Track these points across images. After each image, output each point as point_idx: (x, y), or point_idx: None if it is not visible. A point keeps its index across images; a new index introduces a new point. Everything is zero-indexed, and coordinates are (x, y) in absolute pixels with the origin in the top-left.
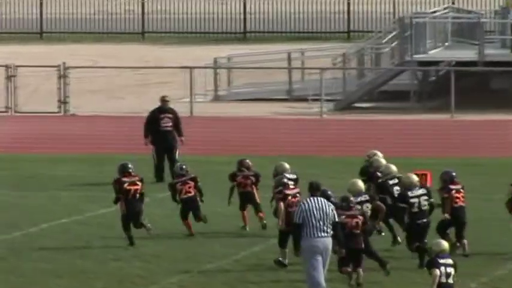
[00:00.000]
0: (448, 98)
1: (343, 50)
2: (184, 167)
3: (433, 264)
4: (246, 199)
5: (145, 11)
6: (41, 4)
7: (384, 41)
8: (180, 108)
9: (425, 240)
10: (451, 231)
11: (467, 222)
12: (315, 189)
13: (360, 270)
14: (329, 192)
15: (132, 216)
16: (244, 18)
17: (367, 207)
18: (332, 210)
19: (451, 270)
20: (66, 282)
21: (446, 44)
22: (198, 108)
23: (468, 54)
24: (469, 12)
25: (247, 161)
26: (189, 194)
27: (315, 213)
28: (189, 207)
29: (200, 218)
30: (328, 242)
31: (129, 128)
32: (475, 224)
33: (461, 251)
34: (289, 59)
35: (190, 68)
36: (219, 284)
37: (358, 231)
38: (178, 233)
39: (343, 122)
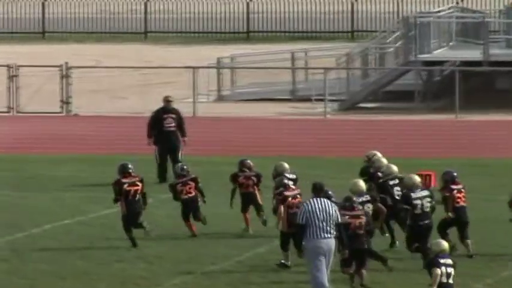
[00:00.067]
0: (452, 98)
1: (347, 49)
2: (185, 167)
3: (433, 264)
4: (248, 200)
5: (148, 10)
6: (43, 4)
7: (388, 40)
8: (183, 108)
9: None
10: (452, 232)
11: (470, 222)
12: (318, 190)
13: (364, 271)
14: (330, 192)
15: (132, 216)
16: (248, 18)
17: (369, 208)
18: (335, 211)
19: (451, 270)
20: (68, 284)
21: (451, 43)
22: (201, 109)
23: (473, 54)
24: (474, 11)
25: (249, 161)
26: (190, 195)
27: (319, 214)
28: (190, 208)
29: (199, 218)
30: (332, 243)
31: (132, 129)
32: (480, 224)
33: (466, 251)
34: (292, 59)
35: (194, 68)
36: (222, 285)
37: (362, 232)
38: (181, 234)
39: (347, 122)
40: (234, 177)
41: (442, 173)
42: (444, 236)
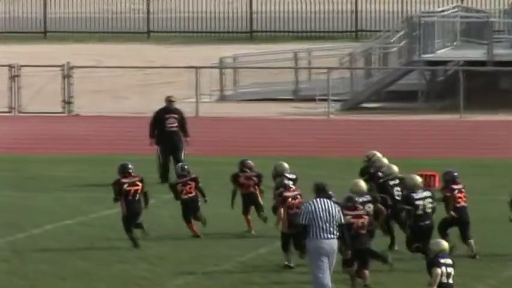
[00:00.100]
0: (456, 98)
1: (350, 49)
2: (186, 167)
3: (434, 263)
4: (249, 200)
5: (151, 10)
6: (45, 3)
7: (391, 40)
8: (186, 108)
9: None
10: (452, 232)
11: (471, 222)
12: (320, 191)
13: (366, 272)
14: (330, 192)
15: (133, 216)
16: (251, 18)
17: (369, 208)
18: (338, 211)
19: (451, 270)
20: (69, 285)
21: (455, 43)
22: (204, 109)
23: (477, 53)
24: (478, 11)
25: (249, 161)
26: (190, 195)
27: (321, 214)
28: (190, 208)
29: (199, 218)
30: (334, 243)
31: (134, 129)
32: (482, 225)
33: (468, 251)
34: (295, 58)
35: (196, 67)
36: (224, 285)
37: (364, 232)
38: (183, 234)
39: (350, 122)
40: (235, 178)
41: (443, 173)
42: (444, 236)
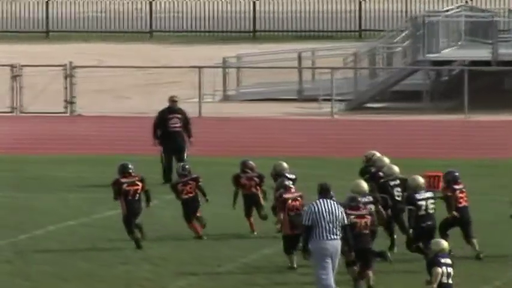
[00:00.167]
0: (461, 98)
1: (354, 49)
2: (187, 167)
3: (434, 263)
4: (251, 201)
5: (153, 9)
6: (47, 3)
7: (396, 40)
8: (189, 108)
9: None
10: (452, 235)
11: (473, 222)
12: (324, 191)
13: (370, 272)
14: (331, 192)
15: (133, 216)
16: (254, 17)
17: (371, 209)
18: (342, 212)
19: (451, 270)
20: (72, 286)
21: (460, 43)
22: (207, 109)
23: (482, 53)
24: (483, 11)
25: (251, 162)
26: (190, 195)
27: (325, 215)
28: (190, 208)
29: (197, 218)
30: (338, 244)
31: (136, 129)
32: (487, 226)
33: (472, 250)
34: (299, 58)
35: (199, 67)
36: (227, 287)
37: (367, 232)
38: (186, 235)
39: (354, 122)
40: (236, 179)
41: (444, 173)
42: (444, 237)
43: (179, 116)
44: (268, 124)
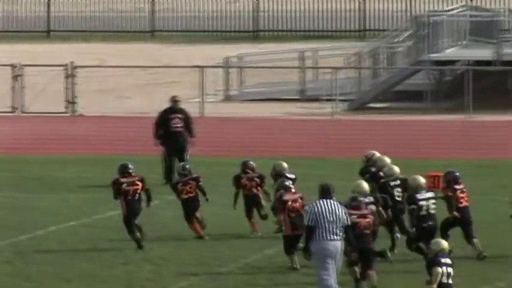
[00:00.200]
0: (464, 98)
1: (357, 49)
2: (187, 166)
3: (434, 262)
4: (252, 202)
5: (155, 9)
6: (48, 2)
7: (398, 39)
8: (191, 108)
9: None
10: (452, 236)
11: (474, 222)
12: (326, 191)
13: (373, 272)
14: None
15: (133, 216)
16: (256, 17)
17: (372, 210)
18: (344, 213)
19: (451, 270)
20: (73, 286)
21: (463, 42)
22: (209, 109)
23: (485, 53)
24: (486, 10)
25: (251, 162)
26: (190, 195)
27: (327, 215)
28: (190, 208)
29: (197, 219)
30: (340, 245)
31: (138, 129)
32: (490, 226)
33: (474, 251)
34: (302, 58)
35: (201, 67)
36: (229, 287)
37: (369, 231)
38: (187, 235)
39: (357, 122)
40: (237, 180)
41: (445, 173)
42: (445, 237)
43: (181, 116)
44: (270, 124)
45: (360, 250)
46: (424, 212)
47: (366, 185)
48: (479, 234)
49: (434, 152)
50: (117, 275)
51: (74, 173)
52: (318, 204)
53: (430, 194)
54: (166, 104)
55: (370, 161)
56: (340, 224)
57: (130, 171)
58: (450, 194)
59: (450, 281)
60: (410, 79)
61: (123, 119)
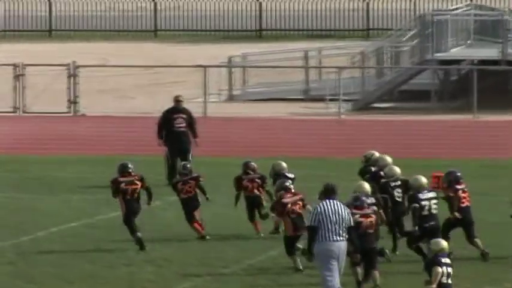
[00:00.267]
0: (470, 98)
1: (361, 48)
2: (188, 166)
3: (435, 262)
4: (254, 203)
5: (158, 8)
6: (50, 2)
7: (403, 39)
8: (194, 108)
9: None
10: (452, 237)
11: (475, 222)
12: (330, 192)
13: (376, 272)
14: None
15: (133, 215)
16: (260, 16)
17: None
18: (348, 214)
19: (450, 270)
20: (75, 287)
21: (468, 42)
22: (212, 108)
23: (490, 52)
24: (492, 9)
25: (252, 163)
26: (189, 194)
27: (331, 216)
28: (189, 207)
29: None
30: (343, 245)
31: (140, 129)
32: (495, 227)
33: (477, 251)
34: (306, 57)
35: (204, 67)
36: None
37: (372, 231)
38: (190, 236)
39: (362, 122)
40: (238, 181)
41: (446, 173)
42: (446, 238)
43: (184, 116)
44: (274, 124)
45: (363, 250)
46: (426, 212)
47: (367, 186)
48: (480, 234)
49: (440, 152)
50: (119, 276)
51: (75, 173)
52: (322, 205)
53: (432, 194)
54: (169, 104)
55: (369, 161)
56: (344, 224)
57: (130, 170)
58: (452, 194)
59: (450, 281)
60: (415, 79)
61: (125, 119)
